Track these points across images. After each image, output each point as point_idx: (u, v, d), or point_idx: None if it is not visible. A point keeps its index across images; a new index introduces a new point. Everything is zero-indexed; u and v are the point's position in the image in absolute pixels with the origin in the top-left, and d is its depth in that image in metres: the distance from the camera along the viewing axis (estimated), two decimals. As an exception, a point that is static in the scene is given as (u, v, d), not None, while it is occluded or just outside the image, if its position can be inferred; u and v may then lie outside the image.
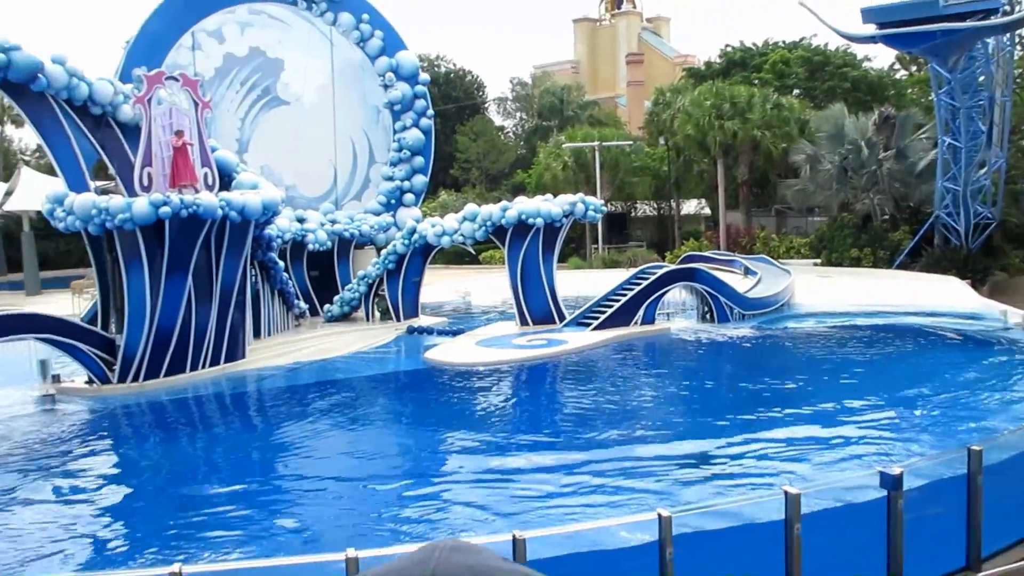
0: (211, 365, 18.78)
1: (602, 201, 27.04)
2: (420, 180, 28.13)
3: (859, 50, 47.65)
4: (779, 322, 24.04)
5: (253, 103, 26.36)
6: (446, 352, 20.39)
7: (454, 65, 65.06)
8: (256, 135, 26.33)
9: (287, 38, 26.74)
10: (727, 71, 49.88)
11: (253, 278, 21.22)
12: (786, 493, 6.96)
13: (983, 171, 33.42)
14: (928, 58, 33.39)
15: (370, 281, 24.71)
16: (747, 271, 30.84)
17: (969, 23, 30.12)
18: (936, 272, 32.37)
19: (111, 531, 10.50)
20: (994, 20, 30.21)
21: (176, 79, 18.83)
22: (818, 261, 37.72)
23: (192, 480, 12.37)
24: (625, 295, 22.76)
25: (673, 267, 25.56)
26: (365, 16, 27.50)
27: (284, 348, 21.48)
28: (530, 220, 22.63)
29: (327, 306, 25.21)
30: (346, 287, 25.42)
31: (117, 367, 17.76)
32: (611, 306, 22.57)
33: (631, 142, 48.16)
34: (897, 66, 51.49)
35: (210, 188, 18.82)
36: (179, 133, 18.39)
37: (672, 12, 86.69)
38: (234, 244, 18.80)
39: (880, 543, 7.43)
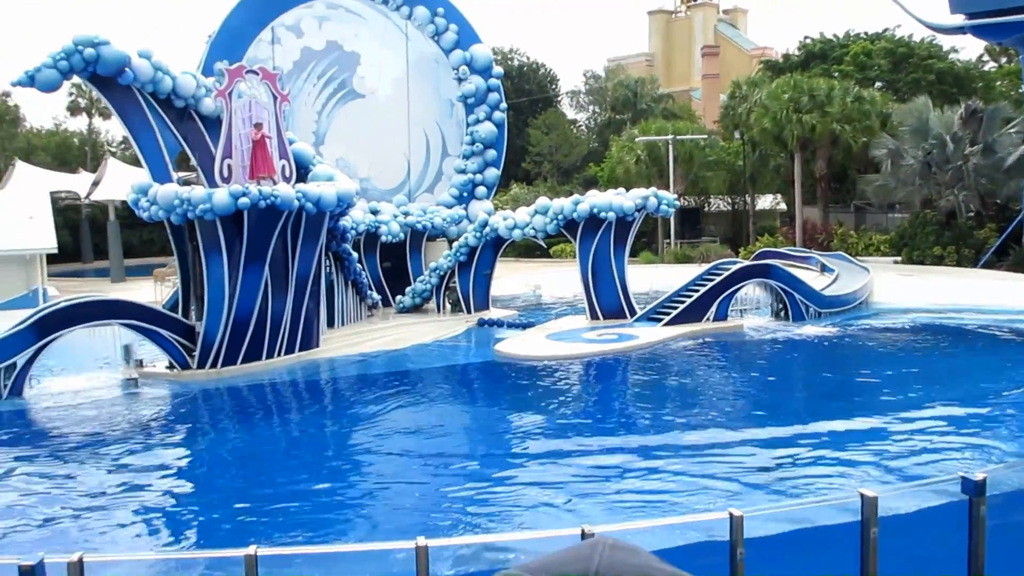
0: (286, 353, 19.20)
1: (675, 195, 26.71)
2: (492, 173, 28.23)
3: (945, 41, 46.00)
4: (856, 320, 23.44)
5: (330, 96, 26.81)
6: (516, 345, 20.44)
7: (527, 58, 65.20)
8: (332, 128, 26.78)
9: (363, 32, 27.10)
10: (806, 63, 48.65)
11: (327, 269, 21.62)
12: (862, 496, 6.79)
13: (1076, 167, 32.07)
14: (1019, 49, 32.12)
15: (442, 273, 24.94)
16: (824, 268, 30.16)
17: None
18: (1024, 272, 31.19)
19: (189, 511, 10.83)
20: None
21: (256, 73, 19.26)
22: (898, 259, 36.70)
23: (267, 464, 12.67)
24: (698, 291, 22.48)
25: (747, 263, 25.12)
26: (440, 10, 27.68)
27: (357, 338, 21.84)
28: (602, 214, 22.51)
29: (399, 297, 25.53)
30: (418, 279, 25.71)
31: (196, 353, 18.31)
32: (683, 302, 22.32)
33: (705, 136, 47.49)
34: (986, 58, 49.56)
35: (287, 180, 19.21)
36: (258, 126, 18.81)
37: (749, 4, 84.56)
38: (309, 235, 19.17)
39: (959, 551, 7.19)
